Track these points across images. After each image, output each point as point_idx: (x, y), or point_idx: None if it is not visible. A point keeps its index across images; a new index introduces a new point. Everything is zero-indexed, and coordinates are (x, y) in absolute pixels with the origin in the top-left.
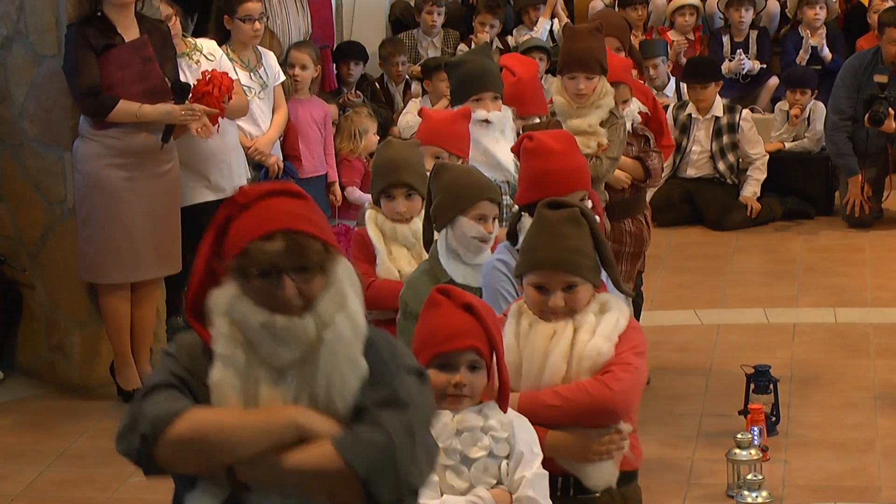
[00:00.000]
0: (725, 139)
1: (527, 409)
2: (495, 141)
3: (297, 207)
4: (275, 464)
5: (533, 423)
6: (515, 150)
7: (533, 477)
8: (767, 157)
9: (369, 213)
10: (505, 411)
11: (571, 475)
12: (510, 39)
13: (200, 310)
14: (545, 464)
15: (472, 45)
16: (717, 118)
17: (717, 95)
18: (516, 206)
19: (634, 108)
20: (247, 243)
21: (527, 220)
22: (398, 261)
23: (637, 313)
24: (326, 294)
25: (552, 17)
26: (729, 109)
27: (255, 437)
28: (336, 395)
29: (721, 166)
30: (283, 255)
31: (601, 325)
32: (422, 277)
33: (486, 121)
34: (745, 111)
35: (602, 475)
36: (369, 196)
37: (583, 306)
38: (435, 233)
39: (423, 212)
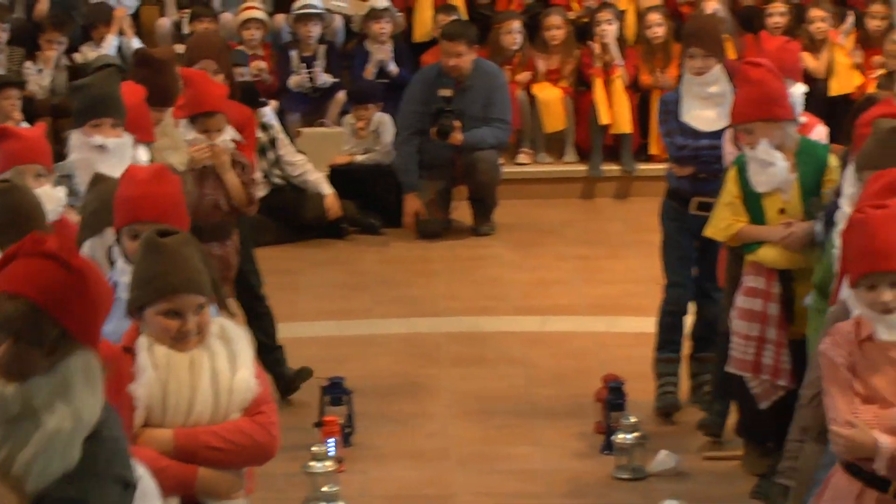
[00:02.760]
0: (272, 155)
1: (185, 450)
2: (112, 168)
3: (55, 279)
4: None
5: (190, 462)
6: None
7: None
8: (303, 155)
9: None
10: None
11: None
12: (78, 56)
13: None
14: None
15: (39, 62)
16: (257, 138)
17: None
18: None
19: (228, 135)
20: None
21: None
22: None
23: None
24: (46, 378)
25: (119, 34)
26: (263, 128)
27: None
28: (32, 476)
29: (278, 181)
30: (12, 320)
31: (241, 357)
32: None
33: (103, 147)
34: (277, 125)
35: None
36: None
37: (208, 327)
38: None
39: None
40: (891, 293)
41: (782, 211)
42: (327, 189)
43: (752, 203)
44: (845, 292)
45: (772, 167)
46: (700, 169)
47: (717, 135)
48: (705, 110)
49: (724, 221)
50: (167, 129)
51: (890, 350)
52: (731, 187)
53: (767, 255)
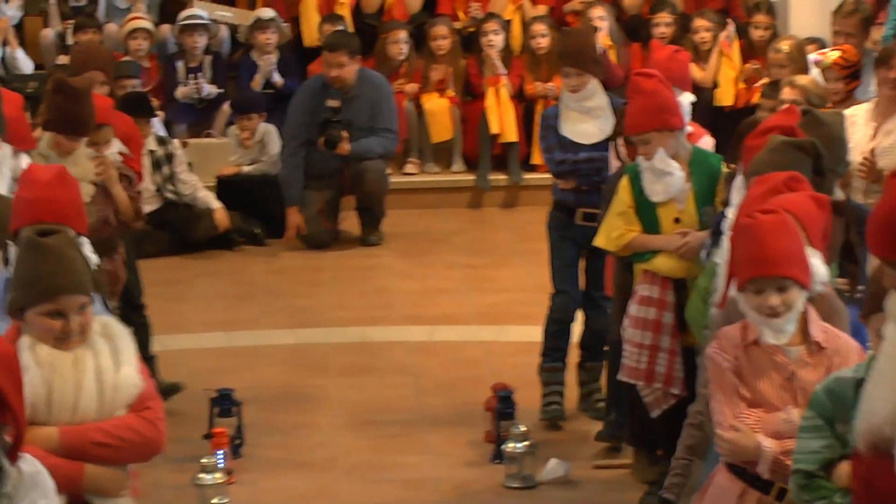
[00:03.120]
0: (166, 170)
1: (72, 447)
2: None
3: None
4: None
5: (78, 460)
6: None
7: None
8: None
9: None
10: (14, 461)
11: None
12: None
13: None
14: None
15: None
16: (151, 151)
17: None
18: None
19: (115, 148)
20: None
21: None
22: None
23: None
24: None
25: (3, 44)
26: (160, 141)
27: None
28: None
29: (171, 196)
30: None
31: (124, 353)
32: None
33: None
34: (176, 140)
35: None
36: None
37: (90, 326)
38: None
39: None
40: (777, 297)
41: (677, 220)
42: (216, 204)
43: (646, 212)
44: (733, 293)
45: (669, 177)
46: (580, 182)
47: (597, 147)
48: (584, 124)
49: (616, 231)
50: (79, 159)
51: (775, 354)
52: (623, 196)
53: (663, 264)
